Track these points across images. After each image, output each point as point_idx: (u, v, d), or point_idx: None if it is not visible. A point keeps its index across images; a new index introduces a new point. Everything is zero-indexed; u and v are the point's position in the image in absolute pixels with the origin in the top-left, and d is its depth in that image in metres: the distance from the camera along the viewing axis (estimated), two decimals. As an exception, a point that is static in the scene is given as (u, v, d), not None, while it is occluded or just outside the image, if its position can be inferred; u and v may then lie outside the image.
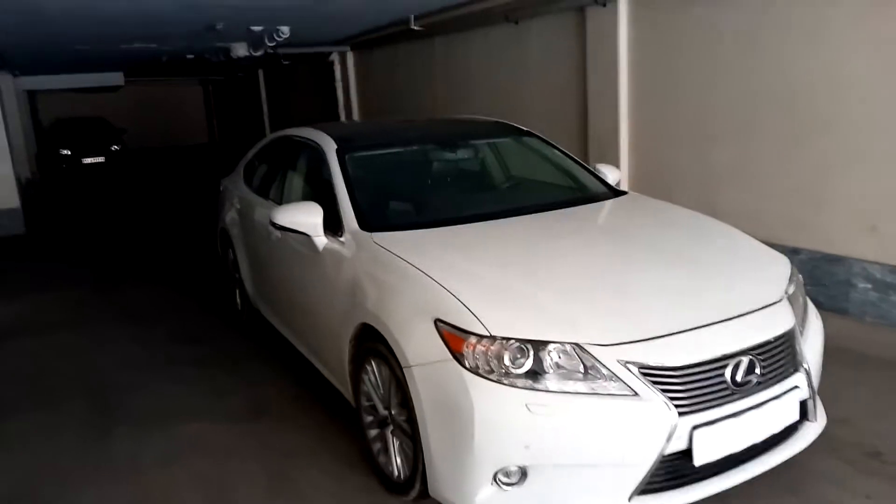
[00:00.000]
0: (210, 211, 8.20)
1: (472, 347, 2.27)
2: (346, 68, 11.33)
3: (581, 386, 2.19)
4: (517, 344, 2.24)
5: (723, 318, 2.37)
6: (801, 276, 2.89)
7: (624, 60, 5.70)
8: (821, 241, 4.48)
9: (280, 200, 4.01)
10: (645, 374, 2.19)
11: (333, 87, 11.90)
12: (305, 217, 3.22)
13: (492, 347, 2.25)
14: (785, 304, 2.56)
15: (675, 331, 2.29)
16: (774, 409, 2.35)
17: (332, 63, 11.68)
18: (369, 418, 2.95)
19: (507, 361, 2.23)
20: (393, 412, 2.72)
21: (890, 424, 3.09)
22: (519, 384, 2.21)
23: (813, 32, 4.33)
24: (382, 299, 2.68)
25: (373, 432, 2.93)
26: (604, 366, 2.20)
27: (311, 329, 3.56)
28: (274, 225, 3.28)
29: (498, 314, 2.33)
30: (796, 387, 2.42)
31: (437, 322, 2.39)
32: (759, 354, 2.33)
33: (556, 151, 3.98)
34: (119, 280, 6.58)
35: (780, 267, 2.82)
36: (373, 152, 3.71)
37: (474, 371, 2.26)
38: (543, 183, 3.86)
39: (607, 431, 2.16)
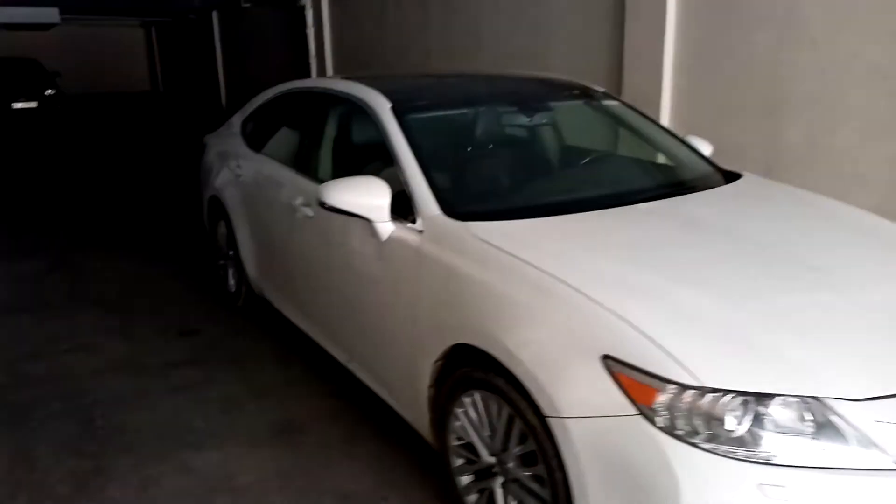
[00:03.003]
0: (169, 169, 7.21)
1: (671, 400, 1.63)
2: (321, 13, 10.24)
3: (826, 457, 1.58)
4: (738, 398, 1.61)
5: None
6: None
7: (672, 7, 5.00)
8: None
9: (309, 170, 3.24)
10: (911, 441, 1.60)
11: (303, 36, 10.80)
12: (368, 197, 2.48)
13: (700, 402, 1.62)
14: None
15: (937, 379, 1.70)
16: None
17: (302, 7, 10.59)
18: (460, 462, 2.29)
19: (728, 426, 1.59)
20: (509, 464, 2.07)
21: None
22: (739, 454, 1.59)
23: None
24: (507, 320, 1.98)
25: (465, 479, 2.28)
26: (856, 428, 1.59)
27: (358, 334, 2.84)
28: (323, 206, 2.53)
29: (703, 353, 1.68)
30: None
31: (608, 360, 1.73)
32: None
33: (645, 119, 3.32)
34: (73, 250, 5.62)
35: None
36: (439, 113, 2.94)
37: (670, 433, 1.62)
38: (644, 160, 3.18)
39: (867, 521, 1.57)
